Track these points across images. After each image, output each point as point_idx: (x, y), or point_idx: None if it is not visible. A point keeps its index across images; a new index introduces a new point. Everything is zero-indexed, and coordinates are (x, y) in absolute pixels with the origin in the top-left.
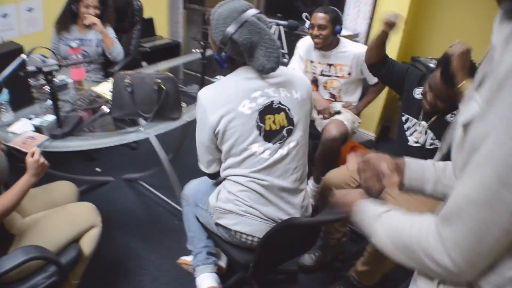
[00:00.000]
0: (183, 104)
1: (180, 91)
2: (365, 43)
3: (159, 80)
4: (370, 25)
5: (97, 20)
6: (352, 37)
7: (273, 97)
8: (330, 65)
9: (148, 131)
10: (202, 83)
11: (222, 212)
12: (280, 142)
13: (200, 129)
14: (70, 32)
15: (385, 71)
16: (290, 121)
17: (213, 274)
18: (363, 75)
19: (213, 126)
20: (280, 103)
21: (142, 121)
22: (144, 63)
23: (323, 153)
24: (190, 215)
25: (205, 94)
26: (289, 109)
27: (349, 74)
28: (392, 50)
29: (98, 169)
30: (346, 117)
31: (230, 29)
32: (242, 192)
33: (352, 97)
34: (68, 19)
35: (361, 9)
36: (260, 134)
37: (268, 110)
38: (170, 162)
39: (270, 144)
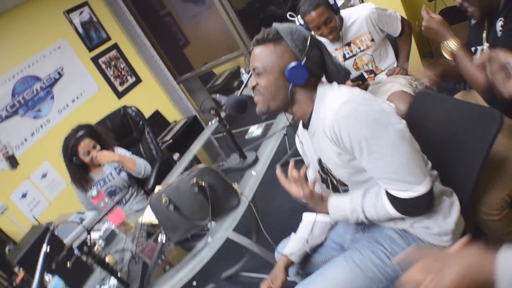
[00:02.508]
0: (235, 186)
1: (222, 175)
2: None
3: (194, 180)
4: None
5: (106, 155)
6: (347, 3)
7: None
8: (348, 44)
9: (218, 237)
10: (238, 148)
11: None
12: None
13: (385, 123)
14: (89, 182)
15: None
16: None
17: None
18: (385, 30)
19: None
20: None
21: (207, 227)
22: (176, 156)
23: None
24: None
25: (353, 92)
26: None
27: (372, 40)
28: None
29: (194, 283)
30: (401, 83)
31: (311, 36)
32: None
33: (388, 59)
34: (79, 175)
35: None
36: None
37: None
38: (257, 241)
39: None
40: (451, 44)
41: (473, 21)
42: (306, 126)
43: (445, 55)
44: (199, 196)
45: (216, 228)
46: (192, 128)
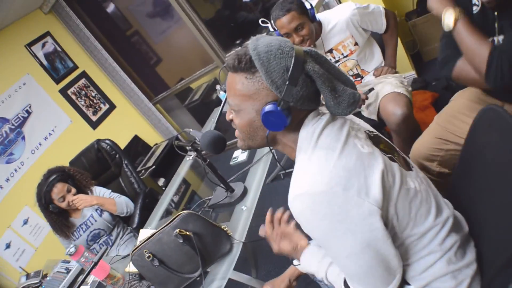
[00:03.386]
0: (224, 227)
1: (209, 213)
2: None
3: (177, 231)
4: None
5: (83, 199)
6: (321, 2)
7: (360, 127)
8: (329, 51)
9: (215, 286)
10: (223, 182)
11: None
12: (411, 166)
13: (345, 231)
14: (70, 228)
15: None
16: (387, 143)
17: None
18: (369, 29)
19: (378, 200)
20: (369, 130)
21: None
22: (161, 181)
23: (404, 140)
24: None
25: (320, 177)
26: (376, 132)
27: (356, 44)
28: None
29: None
30: (392, 84)
31: (297, 60)
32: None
33: (375, 60)
34: (58, 223)
35: None
36: (399, 165)
37: (374, 140)
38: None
39: (411, 172)
40: (455, 12)
41: (475, 9)
42: None
43: (447, 25)
44: (185, 246)
45: (210, 279)
46: (174, 150)
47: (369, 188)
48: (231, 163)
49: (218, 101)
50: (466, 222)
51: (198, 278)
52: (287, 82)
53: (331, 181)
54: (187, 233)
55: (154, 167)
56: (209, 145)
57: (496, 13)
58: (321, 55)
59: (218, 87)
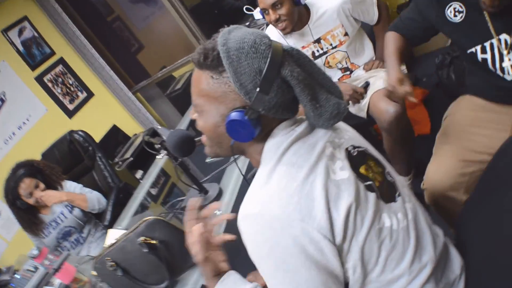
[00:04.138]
0: None
1: (179, 226)
2: None
3: (142, 239)
4: None
5: (52, 195)
6: None
7: (341, 143)
8: (317, 40)
9: None
10: (196, 183)
11: None
12: (398, 194)
13: (296, 261)
14: (39, 224)
15: (419, 40)
16: (377, 161)
17: None
18: (360, 19)
19: (325, 229)
20: (353, 146)
21: None
22: (139, 174)
23: (395, 140)
24: None
25: (277, 199)
26: (364, 148)
27: (346, 34)
28: None
29: None
30: (384, 78)
31: (273, 61)
32: None
33: (365, 53)
34: (27, 220)
35: None
36: (377, 196)
37: (355, 161)
38: None
39: (393, 204)
40: None
41: (460, 16)
42: None
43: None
44: (151, 256)
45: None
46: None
47: (330, 225)
48: (207, 160)
49: None
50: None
51: None
52: (258, 89)
53: (288, 206)
54: (153, 241)
55: (131, 159)
56: (176, 147)
57: (487, 16)
58: (304, 55)
59: None
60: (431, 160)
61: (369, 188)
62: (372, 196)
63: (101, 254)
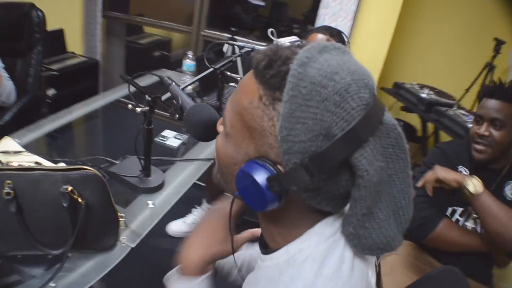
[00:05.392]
0: (121, 218)
1: (110, 196)
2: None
3: (69, 188)
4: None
5: None
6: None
7: None
8: None
9: (69, 282)
10: (145, 160)
11: None
12: None
13: None
14: None
15: None
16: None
17: None
18: None
19: None
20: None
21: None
22: (50, 92)
23: None
24: None
25: None
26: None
27: None
28: (374, 75)
29: None
30: None
31: (355, 132)
32: None
33: None
34: None
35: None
36: None
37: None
38: None
39: None
40: (474, 182)
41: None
42: (262, 245)
43: (476, 189)
44: (64, 213)
45: (65, 270)
46: (86, 74)
47: None
48: (156, 139)
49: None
50: None
51: (50, 257)
52: (305, 160)
53: None
54: (79, 200)
55: (57, 74)
56: (198, 130)
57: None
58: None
59: (189, 53)
60: None
61: None
62: None
63: (2, 170)
